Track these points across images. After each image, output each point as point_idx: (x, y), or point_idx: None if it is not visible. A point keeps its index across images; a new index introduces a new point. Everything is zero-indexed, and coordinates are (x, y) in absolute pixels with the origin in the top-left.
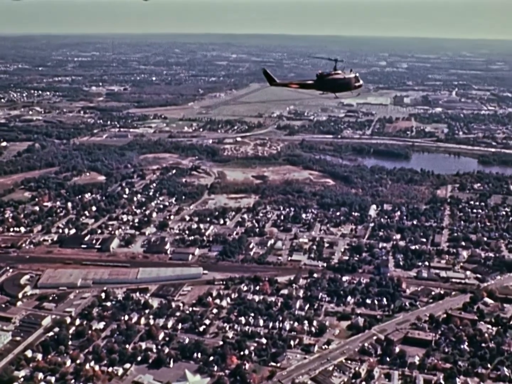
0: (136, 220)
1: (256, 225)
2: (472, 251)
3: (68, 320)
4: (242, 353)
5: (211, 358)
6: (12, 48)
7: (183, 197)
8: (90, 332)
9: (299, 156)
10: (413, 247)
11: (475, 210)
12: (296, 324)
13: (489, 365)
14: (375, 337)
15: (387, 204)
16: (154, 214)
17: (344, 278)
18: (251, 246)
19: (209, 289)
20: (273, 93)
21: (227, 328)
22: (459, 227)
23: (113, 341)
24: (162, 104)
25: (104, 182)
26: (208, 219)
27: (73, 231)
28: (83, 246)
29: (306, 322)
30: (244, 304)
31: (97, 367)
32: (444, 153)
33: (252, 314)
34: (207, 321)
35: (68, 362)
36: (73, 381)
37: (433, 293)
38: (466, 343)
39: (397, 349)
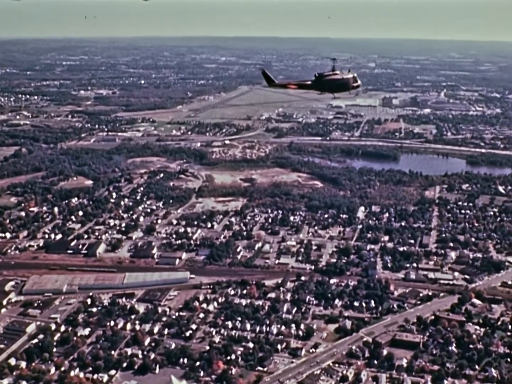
0: (123, 225)
1: (244, 228)
2: (460, 252)
3: (53, 326)
4: (228, 358)
5: (197, 363)
6: (0, 52)
7: (171, 201)
8: (75, 338)
9: (288, 159)
10: (401, 249)
11: (463, 211)
12: (283, 327)
13: (477, 367)
14: (363, 340)
15: (375, 205)
16: (141, 218)
17: (332, 281)
18: (238, 250)
19: (196, 293)
20: (262, 96)
21: (213, 333)
22: (447, 228)
23: (98, 347)
24: (150, 107)
25: (91, 187)
26: (196, 222)
27: (59, 236)
28: (69, 251)
29: (293, 325)
30: (231, 308)
31: (81, 374)
32: (433, 154)
33: (239, 318)
34: (194, 326)
35: (53, 370)
36: None
37: (421, 294)
38: (454, 345)
39: (385, 352)
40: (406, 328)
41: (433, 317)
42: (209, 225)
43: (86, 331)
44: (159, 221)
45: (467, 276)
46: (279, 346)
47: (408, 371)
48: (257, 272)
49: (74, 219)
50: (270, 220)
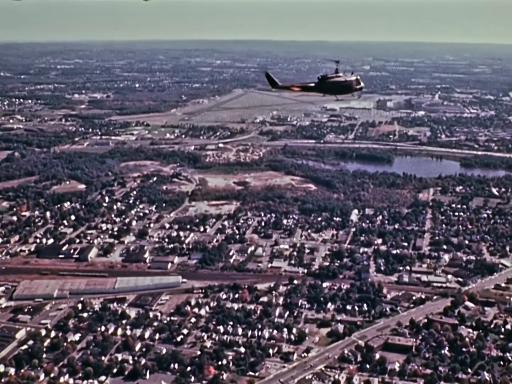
0: (116, 229)
1: (237, 232)
2: (453, 255)
3: (43, 332)
4: (219, 363)
5: (188, 368)
6: None
7: (164, 204)
8: (65, 344)
9: (281, 162)
10: (394, 252)
11: (456, 213)
12: (275, 332)
13: (469, 370)
14: (355, 344)
15: (369, 208)
16: (134, 223)
17: (325, 284)
18: (231, 253)
19: (188, 297)
20: (256, 99)
21: (205, 338)
22: (441, 230)
23: (89, 353)
24: (144, 111)
25: (84, 191)
26: (188, 226)
27: (51, 241)
28: (60, 256)
29: (285, 329)
30: (223, 313)
31: (71, 381)
32: (427, 156)
33: (231, 323)
34: (185, 331)
35: (42, 376)
36: None
37: (414, 297)
38: (447, 348)
39: (377, 356)
40: (399, 331)
41: (426, 320)
42: (201, 229)
43: (77, 336)
44: (152, 225)
45: (460, 279)
46: (270, 351)
47: (401, 375)
48: (249, 276)
49: (66, 224)
50: (263, 223)
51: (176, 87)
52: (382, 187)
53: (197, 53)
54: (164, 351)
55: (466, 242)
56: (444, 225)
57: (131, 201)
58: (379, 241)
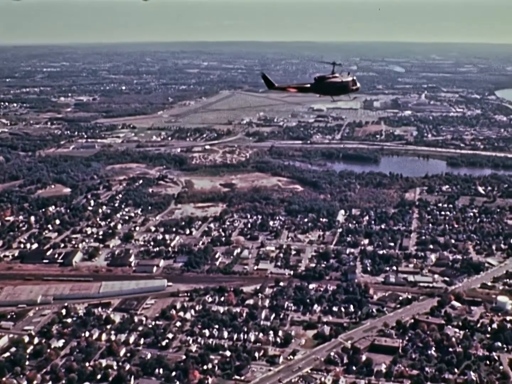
0: (101, 233)
1: (223, 234)
2: (440, 254)
3: (26, 339)
4: (205, 367)
5: (173, 373)
6: None
7: (149, 207)
8: (48, 351)
9: (268, 163)
10: (381, 252)
11: (443, 213)
12: (261, 335)
13: (456, 370)
14: (341, 346)
15: (355, 209)
16: (119, 226)
17: (311, 286)
18: (217, 256)
19: (173, 301)
20: (243, 100)
21: (190, 342)
22: (427, 230)
23: (72, 359)
24: (131, 113)
25: (69, 195)
26: (174, 229)
27: (35, 245)
28: (45, 261)
29: (271, 332)
30: (208, 316)
31: None
32: (413, 155)
33: (217, 326)
34: (170, 335)
35: None
36: None
37: (400, 298)
38: (433, 349)
39: (363, 358)
40: (385, 332)
41: (412, 321)
42: (187, 231)
43: (60, 342)
44: (137, 228)
45: (446, 278)
46: (256, 354)
47: (387, 377)
48: (235, 278)
49: (50, 228)
50: (249, 225)
51: (163, 89)
52: (369, 187)
53: (184, 55)
54: (149, 356)
55: (453, 241)
56: (430, 225)
57: (116, 205)
58: (366, 241)
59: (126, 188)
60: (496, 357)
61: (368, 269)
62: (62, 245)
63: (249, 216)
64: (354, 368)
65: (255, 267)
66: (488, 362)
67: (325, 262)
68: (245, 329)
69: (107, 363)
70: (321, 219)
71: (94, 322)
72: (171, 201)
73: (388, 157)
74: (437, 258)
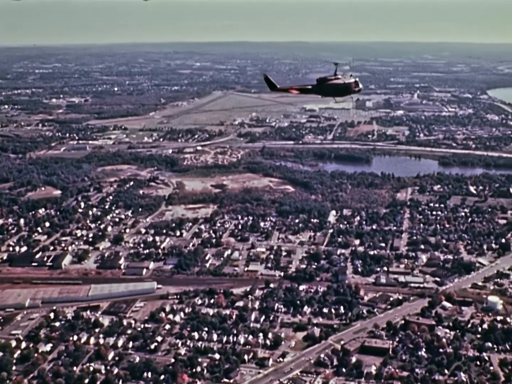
0: (91, 235)
1: (213, 235)
2: (431, 254)
3: (14, 343)
4: (194, 370)
5: (162, 377)
6: None
7: (140, 209)
8: (36, 355)
9: (260, 164)
10: (372, 253)
11: (434, 212)
12: (250, 337)
13: (446, 371)
14: (331, 348)
15: (346, 209)
16: (109, 228)
17: (301, 287)
18: (207, 258)
19: (163, 304)
20: (235, 101)
21: (179, 345)
22: (419, 230)
23: (60, 363)
24: (123, 114)
25: (60, 197)
26: (164, 231)
27: (24, 248)
28: (34, 264)
29: (261, 334)
30: (197, 319)
31: None
32: (405, 155)
33: (206, 329)
34: (159, 338)
35: None
36: None
37: (391, 299)
38: (424, 350)
39: (353, 359)
40: (376, 334)
41: (403, 321)
42: (178, 233)
43: (48, 347)
44: (128, 230)
45: (437, 279)
46: (246, 357)
47: (377, 379)
48: (225, 280)
49: (40, 231)
50: (240, 226)
51: (155, 90)
52: (360, 187)
53: (177, 55)
54: (137, 359)
55: (444, 241)
56: (421, 225)
57: (107, 207)
58: (357, 242)
59: (116, 190)
60: (487, 358)
61: (359, 270)
62: (52, 248)
63: (240, 217)
64: (344, 370)
65: (246, 269)
66: (478, 363)
67: (315, 263)
68: (235, 332)
69: (95, 367)
70: (312, 220)
71: (82, 326)
72: (162, 203)
73: (380, 157)
74: (428, 258)
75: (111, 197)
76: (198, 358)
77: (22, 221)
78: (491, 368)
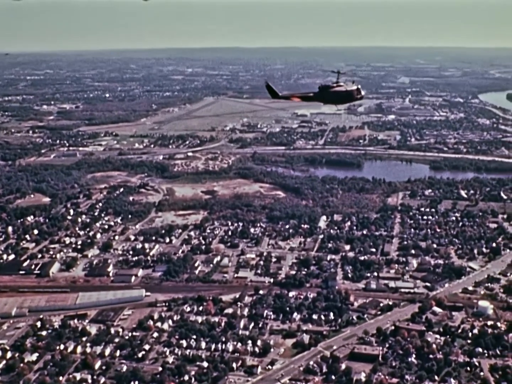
0: (79, 242)
1: (203, 242)
2: (421, 259)
3: None
4: (181, 378)
5: None
6: None
7: (129, 216)
8: (21, 365)
9: (250, 169)
10: (362, 258)
11: (425, 217)
12: (239, 344)
13: (436, 377)
14: (321, 355)
15: (337, 214)
16: (98, 235)
17: (291, 294)
18: (196, 265)
19: (151, 311)
20: (227, 106)
21: (167, 353)
22: (409, 235)
23: (46, 373)
24: (114, 121)
25: (49, 204)
26: (154, 238)
27: (12, 256)
28: (21, 272)
29: (250, 342)
30: (186, 326)
31: None
32: (396, 160)
33: (194, 337)
34: (147, 346)
35: None
36: None
37: (381, 304)
38: (414, 356)
39: (343, 366)
40: (366, 340)
41: (393, 327)
42: (167, 240)
43: (34, 356)
44: (117, 237)
45: (428, 284)
46: (234, 365)
47: None
48: (215, 287)
49: (28, 238)
50: (230, 232)
51: (147, 96)
52: (351, 192)
53: (169, 61)
54: (124, 368)
55: (434, 246)
56: (412, 229)
57: (96, 213)
58: (347, 247)
59: (106, 196)
60: (477, 363)
61: (349, 275)
62: (40, 255)
63: (230, 224)
64: (333, 377)
65: (235, 275)
66: (468, 368)
67: (305, 269)
68: (223, 339)
69: (81, 376)
70: (302, 226)
71: (69, 335)
72: (151, 209)
73: (371, 161)
74: (418, 263)
75: (100, 204)
76: (186, 366)
77: (10, 228)
78: (482, 373)
